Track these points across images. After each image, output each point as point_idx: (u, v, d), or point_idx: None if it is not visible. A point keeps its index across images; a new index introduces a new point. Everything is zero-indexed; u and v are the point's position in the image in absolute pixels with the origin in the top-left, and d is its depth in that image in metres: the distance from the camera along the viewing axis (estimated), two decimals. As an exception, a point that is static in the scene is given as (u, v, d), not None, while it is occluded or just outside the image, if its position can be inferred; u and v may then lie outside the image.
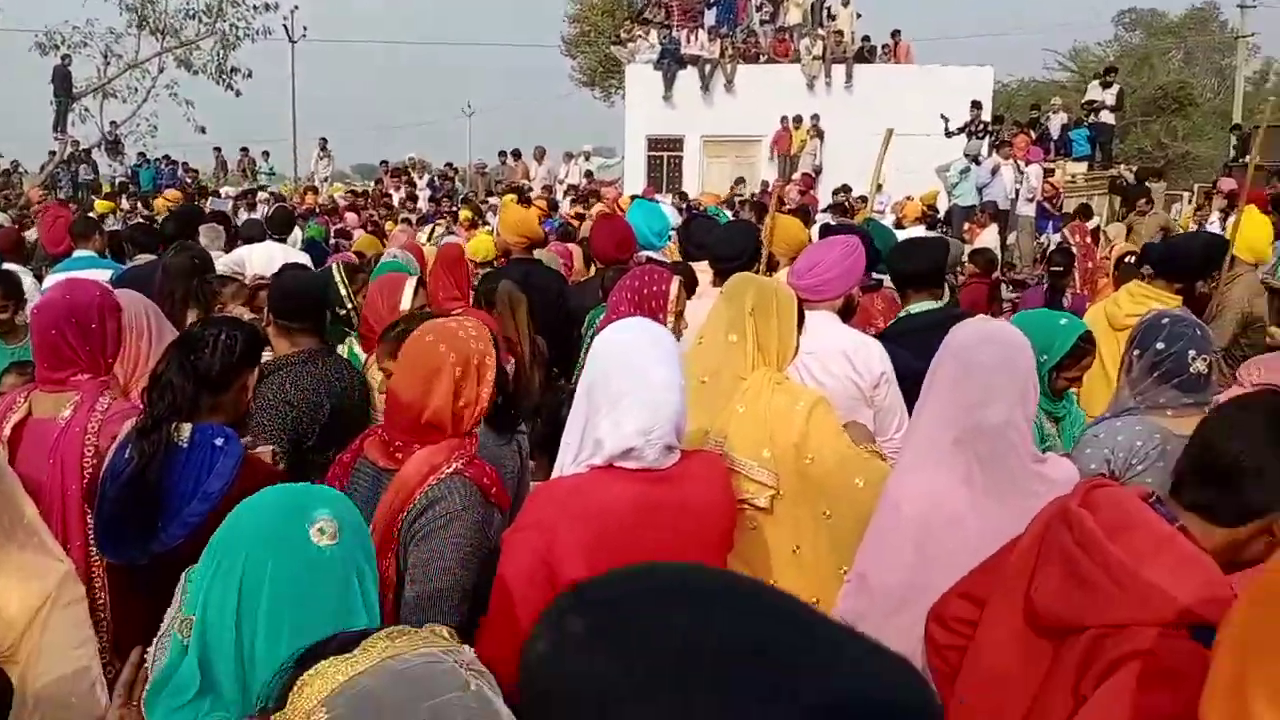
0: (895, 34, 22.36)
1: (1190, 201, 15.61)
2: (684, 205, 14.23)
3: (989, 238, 10.24)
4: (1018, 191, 13.92)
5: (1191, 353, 2.72)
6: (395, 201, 18.50)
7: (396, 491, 2.06)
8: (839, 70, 21.30)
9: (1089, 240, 9.33)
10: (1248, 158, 14.72)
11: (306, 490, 1.48)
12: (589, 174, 21.32)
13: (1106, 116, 17.11)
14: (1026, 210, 14.15)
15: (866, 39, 22.35)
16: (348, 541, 1.38)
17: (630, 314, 2.94)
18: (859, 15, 22.47)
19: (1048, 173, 15.31)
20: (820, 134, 20.48)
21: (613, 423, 1.94)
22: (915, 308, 3.85)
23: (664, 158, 23.09)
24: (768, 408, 2.67)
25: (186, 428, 2.20)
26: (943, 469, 1.99)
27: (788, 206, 13.95)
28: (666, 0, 23.46)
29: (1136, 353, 2.82)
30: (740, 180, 19.59)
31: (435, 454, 2.08)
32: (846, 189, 14.97)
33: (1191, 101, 33.93)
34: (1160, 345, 2.75)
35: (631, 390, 1.93)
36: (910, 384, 2.73)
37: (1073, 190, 15.91)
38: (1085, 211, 11.90)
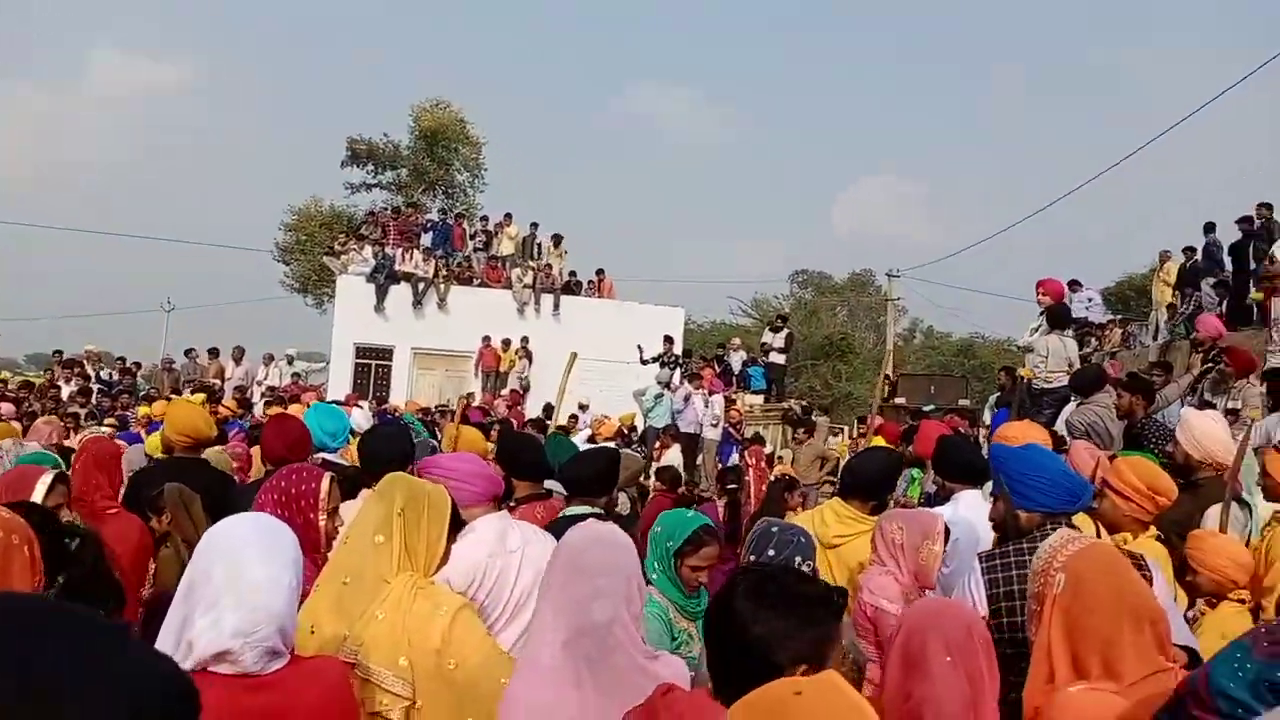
0: (599, 272, 24.30)
1: (848, 434, 17.66)
2: (378, 411, 14.06)
3: (673, 456, 10.93)
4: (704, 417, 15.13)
5: (798, 559, 3.03)
6: (65, 395, 16.71)
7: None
8: (547, 299, 22.66)
9: (763, 463, 10.24)
10: (895, 400, 17.27)
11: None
12: (296, 376, 20.63)
13: (777, 357, 19.30)
14: (713, 434, 15.34)
15: (573, 274, 24.07)
16: None
17: (276, 514, 2.83)
18: (566, 252, 24.28)
19: (730, 403, 16.83)
20: (529, 355, 21.37)
21: (210, 622, 1.83)
22: (571, 510, 4.08)
23: (372, 366, 22.96)
24: (408, 613, 2.61)
25: None
26: (553, 674, 2.03)
27: (492, 418, 14.29)
28: (384, 219, 24.07)
29: (752, 559, 3.09)
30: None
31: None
32: (550, 406, 15.53)
33: (852, 350, 39.13)
34: (771, 552, 3.05)
35: (231, 589, 1.84)
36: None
37: (751, 419, 17.52)
38: (759, 439, 13.15)
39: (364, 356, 22.92)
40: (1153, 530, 3.66)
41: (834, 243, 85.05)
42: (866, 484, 4.17)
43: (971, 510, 3.83)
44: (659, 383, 15.71)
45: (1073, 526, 2.65)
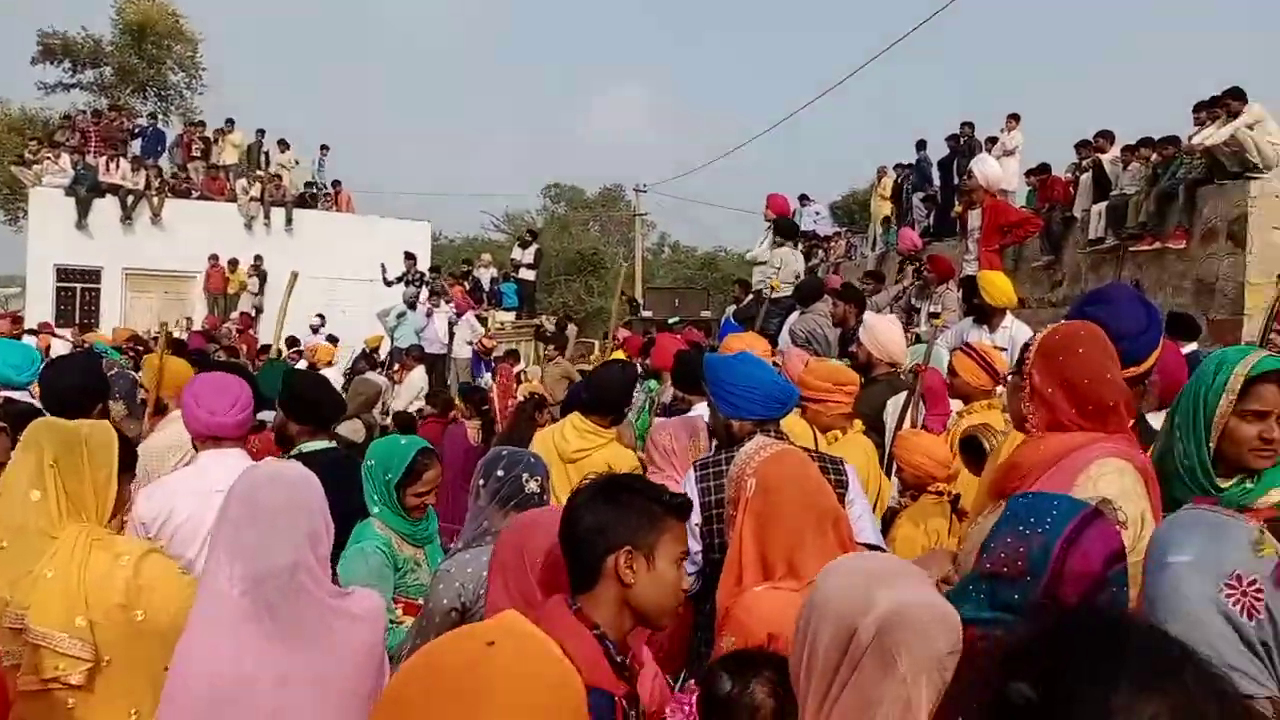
0: (336, 183, 22.88)
1: (598, 349, 17.96)
2: (81, 341, 12.67)
3: (416, 378, 10.64)
4: (453, 335, 14.81)
5: (525, 475, 2.96)
6: None
7: None
8: (278, 213, 21.08)
9: (511, 381, 10.17)
10: (642, 313, 17.69)
11: None
12: (-13, 303, 18.13)
13: (527, 273, 19.19)
14: (464, 353, 15.08)
15: (309, 184, 22.50)
16: None
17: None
18: (298, 162, 22.61)
19: (481, 320, 16.58)
20: (262, 275, 19.91)
21: None
22: (307, 447, 3.81)
23: (78, 290, 20.55)
24: (83, 567, 2.37)
25: None
26: (230, 626, 1.87)
27: (226, 342, 13.25)
28: (84, 125, 21.33)
29: (481, 482, 3.00)
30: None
31: None
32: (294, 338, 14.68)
33: (604, 265, 39.68)
34: (500, 473, 2.96)
35: None
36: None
37: (503, 337, 17.39)
38: (514, 355, 13.05)
39: (66, 279, 20.45)
40: (859, 425, 3.95)
41: (585, 155, 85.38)
42: (604, 399, 4.21)
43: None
44: (405, 302, 15.16)
45: (780, 435, 2.75)
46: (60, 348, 10.64)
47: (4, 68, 77.40)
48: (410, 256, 16.38)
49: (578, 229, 44.16)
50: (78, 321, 18.87)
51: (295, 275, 5.62)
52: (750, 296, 10.54)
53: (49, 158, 20.45)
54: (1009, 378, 2.06)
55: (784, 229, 9.30)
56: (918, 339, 7.33)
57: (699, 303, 18.92)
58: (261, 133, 22.44)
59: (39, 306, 19.35)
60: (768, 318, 8.57)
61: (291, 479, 1.99)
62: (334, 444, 4.16)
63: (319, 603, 1.92)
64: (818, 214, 19.35)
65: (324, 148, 23.38)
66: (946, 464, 3.49)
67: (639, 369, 7.90)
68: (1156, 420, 3.44)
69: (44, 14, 51.05)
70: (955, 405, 4.50)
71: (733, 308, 12.66)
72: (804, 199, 19.08)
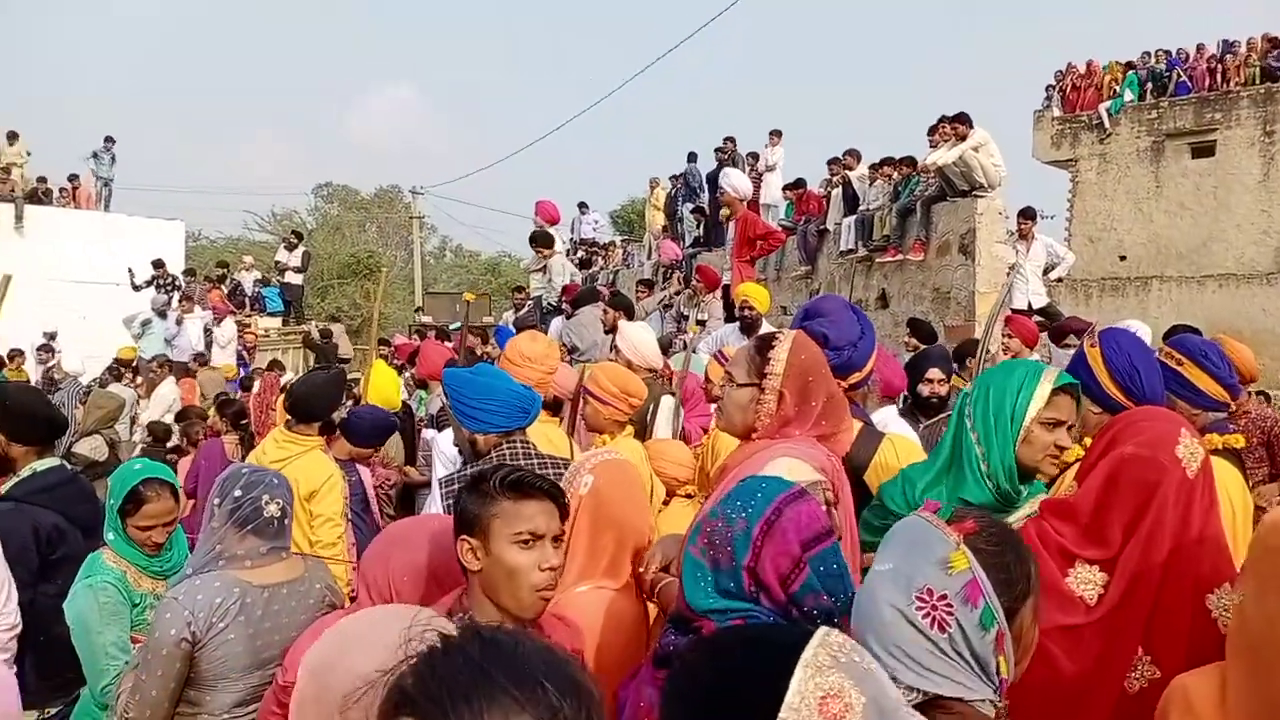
0: (73, 178, 20.77)
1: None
2: None
3: (166, 390, 9.90)
4: (208, 343, 13.83)
5: (265, 497, 2.79)
6: None
7: None
8: (6, 209, 18.91)
9: (273, 392, 9.62)
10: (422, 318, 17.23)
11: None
12: None
13: (294, 277, 18.23)
14: (222, 359, 14.11)
15: (43, 179, 20.31)
16: None
17: None
18: (29, 153, 20.36)
19: (243, 326, 15.57)
20: (-16, 276, 17.81)
21: None
22: (40, 465, 3.47)
23: None
24: None
25: None
26: None
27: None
28: None
29: (217, 502, 2.80)
30: None
31: None
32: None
33: (380, 268, 38.32)
34: (238, 493, 2.77)
35: None
36: None
37: (267, 344, 16.42)
38: (277, 365, 12.34)
39: None
40: (629, 429, 4.03)
41: (358, 156, 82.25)
42: (308, 409, 4.23)
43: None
44: (154, 308, 13.99)
45: (526, 443, 2.76)
46: None
47: None
48: (157, 264, 15.08)
49: (352, 231, 42.47)
50: None
51: (8, 278, 5.02)
52: (530, 304, 10.57)
53: None
54: (737, 387, 2.12)
55: (538, 238, 9.43)
56: (685, 346, 7.60)
57: (480, 308, 18.71)
58: (-13, 122, 20.05)
59: None
60: (546, 324, 8.62)
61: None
62: (64, 463, 3.76)
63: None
64: (596, 222, 19.64)
65: (109, 139, 20.91)
66: (691, 466, 3.62)
67: (412, 377, 7.72)
68: (879, 413, 3.74)
69: None
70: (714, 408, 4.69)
71: (511, 314, 12.63)
72: (583, 206, 19.31)
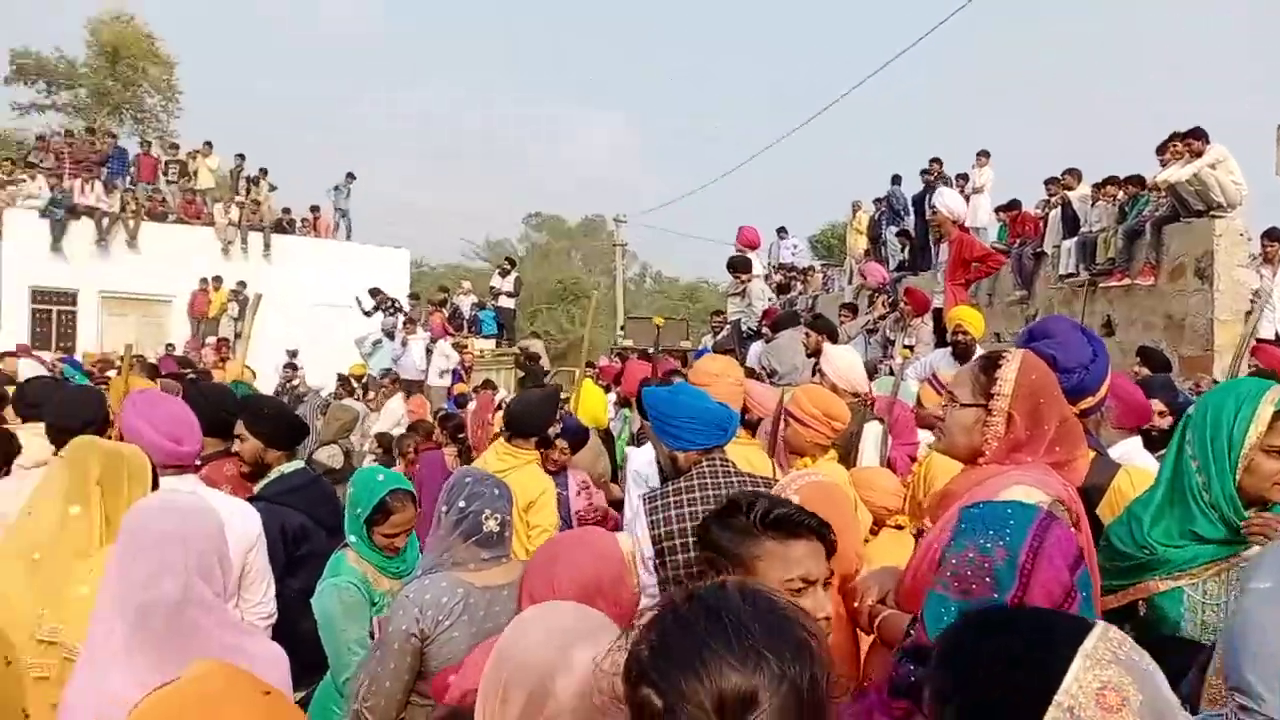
0: (314, 209, 22.85)
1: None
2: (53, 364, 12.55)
3: (394, 405, 10.59)
4: (429, 364, 14.76)
5: (486, 512, 2.94)
6: None
7: None
8: (256, 238, 21.06)
9: (488, 411, 10.13)
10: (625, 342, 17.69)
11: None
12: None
13: (506, 301, 19.16)
14: (439, 382, 15.00)
15: (286, 210, 22.47)
16: None
17: None
18: (275, 188, 22.60)
19: (460, 348, 16.50)
20: (243, 301, 19.86)
21: None
22: (287, 468, 3.82)
23: (54, 312, 20.40)
24: None
25: None
26: (118, 664, 1.80)
27: (202, 366, 13.12)
28: (57, 146, 21.25)
29: (444, 509, 2.98)
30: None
31: None
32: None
33: (585, 294, 39.72)
34: (462, 504, 2.94)
35: None
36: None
37: (482, 365, 17.31)
38: (490, 384, 13.01)
39: (42, 301, 20.30)
40: (833, 453, 3.96)
41: (568, 185, 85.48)
42: (524, 424, 4.41)
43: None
44: (383, 330, 15.10)
45: (726, 462, 2.77)
46: (27, 370, 10.52)
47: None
48: (374, 292, 16.28)
49: (558, 258, 44.25)
50: (55, 344, 18.71)
51: (259, 297, 5.59)
52: (728, 328, 10.62)
53: (23, 179, 20.36)
54: (961, 408, 2.02)
55: (737, 263, 9.43)
56: (891, 371, 7.39)
57: (679, 332, 18.96)
58: (241, 157, 22.45)
59: (14, 328, 19.20)
60: (742, 348, 8.63)
61: (183, 508, 1.95)
62: (308, 467, 4.14)
63: (210, 638, 1.85)
64: (795, 246, 19.49)
65: (350, 175, 23.33)
66: (900, 494, 3.51)
67: (617, 397, 7.93)
68: (1121, 444, 3.49)
69: (16, 34, 50.78)
70: (924, 436, 4.53)
71: (709, 338, 12.73)
72: (781, 231, 19.23)
